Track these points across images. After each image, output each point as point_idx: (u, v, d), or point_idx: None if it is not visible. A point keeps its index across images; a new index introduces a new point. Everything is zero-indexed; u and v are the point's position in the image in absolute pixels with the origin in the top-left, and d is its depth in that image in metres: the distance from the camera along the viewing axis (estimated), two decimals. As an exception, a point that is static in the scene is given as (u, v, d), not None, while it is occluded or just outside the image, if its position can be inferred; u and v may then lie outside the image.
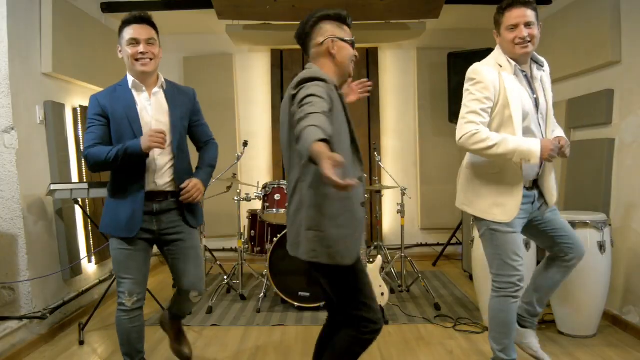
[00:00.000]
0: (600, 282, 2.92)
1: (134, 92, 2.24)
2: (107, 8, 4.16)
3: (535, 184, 2.31)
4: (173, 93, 2.32)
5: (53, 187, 3.04)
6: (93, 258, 3.74)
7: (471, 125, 2.15)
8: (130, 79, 2.24)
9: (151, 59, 2.19)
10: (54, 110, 3.32)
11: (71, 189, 3.09)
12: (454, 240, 5.04)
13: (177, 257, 2.32)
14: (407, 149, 5.38)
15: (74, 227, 3.50)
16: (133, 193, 2.20)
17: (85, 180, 3.64)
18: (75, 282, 3.51)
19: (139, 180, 2.20)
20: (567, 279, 2.46)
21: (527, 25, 2.17)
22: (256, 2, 4.07)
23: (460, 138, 2.17)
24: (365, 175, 2.45)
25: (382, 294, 3.35)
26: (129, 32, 2.17)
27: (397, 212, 3.91)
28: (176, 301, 2.50)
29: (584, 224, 2.91)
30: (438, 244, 5.30)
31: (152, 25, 2.23)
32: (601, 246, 2.88)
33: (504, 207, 2.19)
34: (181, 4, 4.32)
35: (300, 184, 1.84)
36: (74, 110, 3.66)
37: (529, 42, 2.17)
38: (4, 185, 2.88)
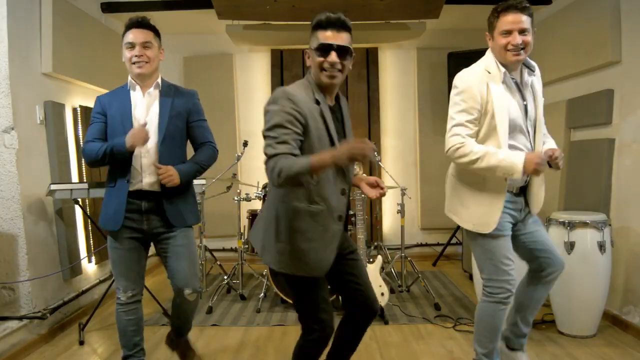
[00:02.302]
0: (600, 282, 2.92)
1: (131, 92, 2.32)
2: (107, 8, 4.17)
3: (523, 191, 2.27)
4: (169, 94, 2.35)
5: (53, 187, 3.04)
6: (93, 258, 3.74)
7: (457, 138, 2.12)
8: (129, 80, 2.33)
9: (146, 62, 2.25)
10: (54, 110, 3.32)
11: (71, 189, 3.10)
12: (454, 240, 5.04)
13: (169, 255, 2.33)
14: (407, 149, 5.38)
15: (74, 227, 3.50)
16: (120, 189, 2.27)
17: (85, 180, 3.64)
18: (75, 282, 3.51)
19: (126, 177, 2.26)
20: (550, 289, 2.38)
21: (522, 32, 2.08)
22: (256, 2, 4.06)
23: (447, 151, 2.17)
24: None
25: (382, 294, 3.35)
26: (127, 37, 2.25)
27: (397, 212, 3.91)
28: (174, 306, 2.44)
29: (584, 224, 2.91)
30: (438, 244, 5.30)
31: (151, 28, 2.28)
32: (601, 246, 2.88)
33: (484, 219, 2.17)
34: (181, 4, 4.32)
35: (274, 193, 1.92)
36: (74, 110, 3.66)
37: (522, 49, 2.10)
38: (4, 185, 2.88)
